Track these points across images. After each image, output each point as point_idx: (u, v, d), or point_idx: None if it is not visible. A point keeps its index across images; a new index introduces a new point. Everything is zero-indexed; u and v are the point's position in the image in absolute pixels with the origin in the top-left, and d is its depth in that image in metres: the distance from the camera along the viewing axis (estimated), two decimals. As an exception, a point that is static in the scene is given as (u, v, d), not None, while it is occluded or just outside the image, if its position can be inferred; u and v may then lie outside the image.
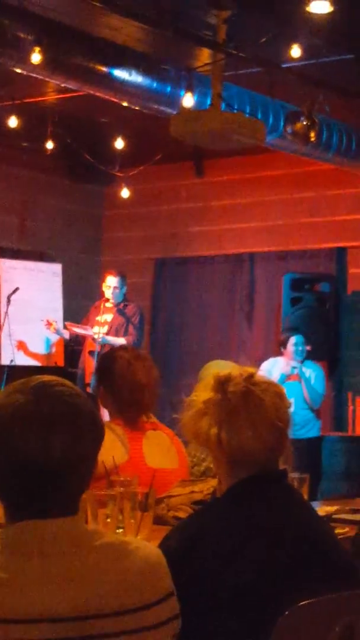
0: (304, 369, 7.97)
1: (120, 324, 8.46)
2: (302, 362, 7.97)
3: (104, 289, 8.53)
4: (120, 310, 8.51)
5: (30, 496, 1.79)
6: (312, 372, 8.03)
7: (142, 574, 1.82)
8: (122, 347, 4.13)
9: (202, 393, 2.30)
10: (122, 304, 8.53)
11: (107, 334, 8.40)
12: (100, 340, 8.27)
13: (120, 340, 8.27)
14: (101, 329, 8.33)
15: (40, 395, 1.81)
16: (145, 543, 1.91)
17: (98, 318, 8.45)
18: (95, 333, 8.33)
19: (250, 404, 2.23)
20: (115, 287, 8.47)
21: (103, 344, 8.25)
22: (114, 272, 8.58)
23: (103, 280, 8.64)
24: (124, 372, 3.85)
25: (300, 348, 7.98)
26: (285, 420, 2.26)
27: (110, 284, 8.48)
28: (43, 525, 1.78)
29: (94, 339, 8.37)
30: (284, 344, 8.05)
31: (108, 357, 4.07)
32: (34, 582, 1.74)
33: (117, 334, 8.40)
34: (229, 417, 2.23)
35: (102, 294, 8.60)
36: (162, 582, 1.87)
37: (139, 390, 3.82)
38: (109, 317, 8.50)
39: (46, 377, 1.87)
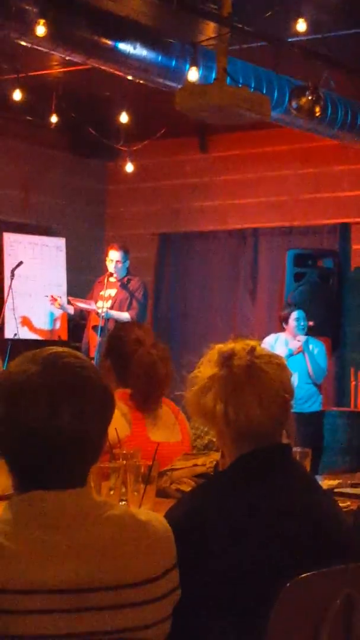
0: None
1: (124, 298, 8.47)
2: (306, 335, 8.03)
3: (107, 262, 8.53)
4: (123, 284, 8.52)
5: (37, 466, 1.80)
6: (315, 347, 8.07)
7: (149, 547, 1.84)
8: (134, 324, 4.06)
9: (206, 369, 2.30)
10: (125, 279, 8.54)
11: (111, 308, 8.41)
12: (104, 314, 8.27)
13: (124, 315, 8.29)
14: (105, 304, 8.34)
15: (49, 365, 1.82)
16: (154, 515, 1.92)
17: (102, 293, 8.45)
18: (99, 307, 8.35)
19: (255, 377, 2.24)
20: (117, 261, 8.47)
21: (107, 319, 8.27)
22: (116, 246, 8.58)
23: (106, 255, 8.64)
24: (136, 349, 3.82)
25: (302, 323, 8.01)
26: (290, 391, 2.28)
27: (113, 257, 8.48)
28: (50, 496, 1.79)
29: (97, 314, 8.38)
30: (285, 319, 8.08)
31: (118, 334, 4.01)
32: (40, 554, 1.75)
33: (120, 308, 8.42)
34: (235, 391, 2.23)
35: (105, 269, 8.60)
36: (169, 554, 1.89)
37: (157, 388, 3.80)
38: (112, 291, 8.51)
39: (58, 349, 1.87)
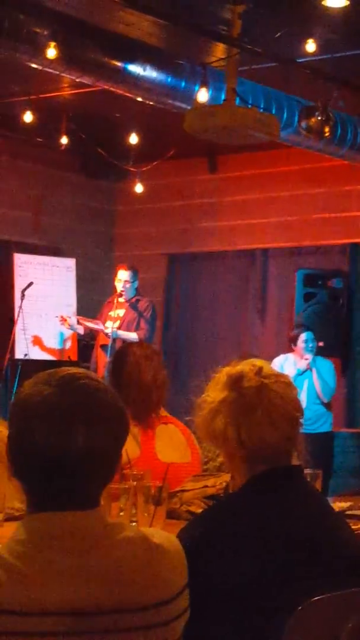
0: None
1: (132, 318, 8.47)
2: (314, 356, 8.01)
3: (116, 283, 8.54)
4: (132, 304, 8.52)
5: (51, 488, 1.80)
6: (323, 365, 8.06)
7: (162, 572, 1.82)
8: (135, 344, 4.17)
9: (215, 392, 2.30)
10: (134, 299, 8.55)
11: (119, 328, 8.42)
12: (112, 334, 8.28)
13: (132, 335, 8.29)
14: (114, 324, 8.35)
15: (64, 387, 1.82)
16: (166, 536, 1.91)
17: (111, 313, 8.47)
18: (107, 327, 8.36)
19: (265, 397, 2.24)
20: (126, 281, 8.48)
21: (115, 338, 8.27)
22: (125, 266, 8.59)
23: (115, 275, 8.65)
24: (132, 371, 3.90)
25: (310, 345, 7.99)
26: (299, 409, 2.28)
27: (122, 277, 8.49)
28: (63, 517, 1.78)
29: (105, 334, 8.39)
30: (294, 340, 8.07)
31: (119, 355, 4.12)
32: (51, 576, 1.74)
33: (128, 329, 8.42)
34: (246, 414, 2.23)
35: (114, 289, 8.61)
36: (180, 577, 1.88)
37: (145, 390, 3.87)
38: (121, 312, 8.51)
39: (73, 369, 1.87)
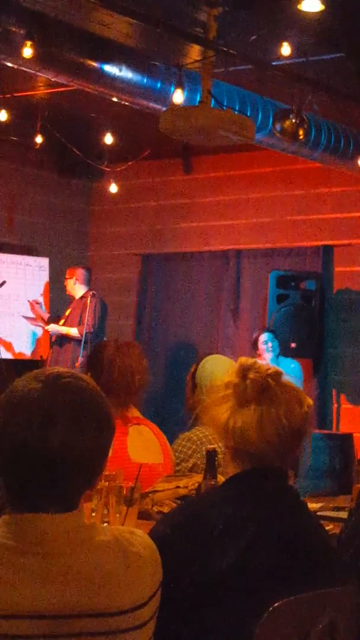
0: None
1: (77, 314, 8.66)
2: (277, 357, 8.05)
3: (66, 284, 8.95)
4: (78, 300, 8.78)
5: (28, 486, 1.79)
6: (286, 365, 8.11)
7: (137, 576, 1.83)
8: (111, 339, 4.18)
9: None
10: (82, 295, 8.81)
11: (65, 324, 8.72)
12: (52, 331, 8.78)
13: (72, 330, 8.58)
14: (60, 322, 8.78)
15: (48, 383, 1.82)
16: (140, 537, 1.91)
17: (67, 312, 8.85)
18: (43, 322, 8.89)
19: (264, 397, 2.25)
20: (73, 284, 8.88)
21: (56, 334, 8.77)
22: (71, 271, 8.96)
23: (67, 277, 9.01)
24: (114, 356, 3.88)
25: (270, 345, 8.03)
26: (294, 423, 2.26)
27: (69, 283, 8.94)
28: (40, 520, 1.78)
29: (44, 329, 8.93)
30: (255, 344, 8.12)
31: (97, 346, 4.13)
32: (26, 579, 1.74)
33: (71, 324, 8.67)
34: (240, 404, 2.25)
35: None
36: (155, 579, 1.88)
37: (128, 373, 3.85)
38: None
39: (62, 369, 1.88)
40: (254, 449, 2.22)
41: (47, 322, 8.94)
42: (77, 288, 8.90)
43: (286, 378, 2.34)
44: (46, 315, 9.08)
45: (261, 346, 8.04)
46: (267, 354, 8.01)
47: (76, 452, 1.80)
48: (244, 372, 2.29)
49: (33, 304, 9.09)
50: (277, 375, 2.30)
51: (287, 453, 2.26)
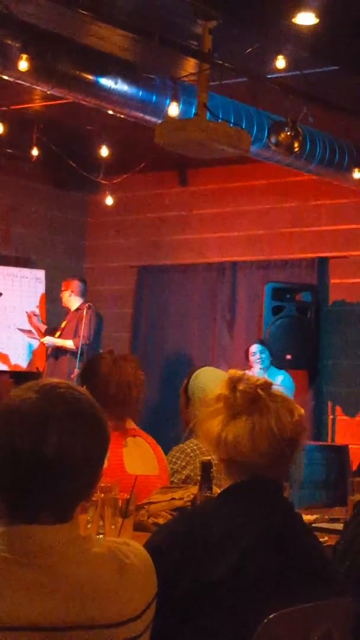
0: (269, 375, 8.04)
1: (72, 326, 8.64)
2: (266, 369, 8.07)
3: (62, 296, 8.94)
4: (73, 313, 8.77)
5: (24, 497, 1.79)
6: (279, 377, 8.12)
7: (132, 589, 1.82)
8: (107, 351, 4.16)
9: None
10: (78, 307, 8.76)
11: (60, 336, 8.70)
12: (47, 343, 8.80)
13: (68, 342, 8.50)
14: (56, 334, 8.76)
15: (45, 394, 1.83)
16: (135, 549, 1.90)
17: (62, 325, 8.83)
18: (40, 334, 8.91)
19: (254, 408, 2.25)
20: (69, 296, 8.87)
21: (50, 347, 8.80)
22: (66, 283, 8.96)
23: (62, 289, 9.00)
24: (111, 370, 3.86)
25: (258, 356, 8.05)
26: (286, 432, 2.26)
27: (64, 295, 8.92)
28: (35, 531, 1.78)
29: (40, 341, 8.94)
30: (246, 355, 8.14)
31: (92, 359, 4.11)
32: (20, 590, 1.73)
33: (67, 337, 8.61)
34: (231, 416, 2.25)
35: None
36: (150, 590, 1.88)
37: (126, 387, 3.83)
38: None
39: (57, 380, 1.89)
40: (247, 460, 2.23)
41: (44, 334, 8.94)
42: (72, 300, 8.90)
43: (276, 388, 2.34)
44: (43, 327, 9.09)
45: (251, 357, 8.07)
46: (256, 365, 8.03)
47: (71, 462, 1.79)
48: (233, 384, 2.29)
49: (30, 315, 9.09)
50: (266, 385, 2.30)
51: (280, 463, 2.27)
